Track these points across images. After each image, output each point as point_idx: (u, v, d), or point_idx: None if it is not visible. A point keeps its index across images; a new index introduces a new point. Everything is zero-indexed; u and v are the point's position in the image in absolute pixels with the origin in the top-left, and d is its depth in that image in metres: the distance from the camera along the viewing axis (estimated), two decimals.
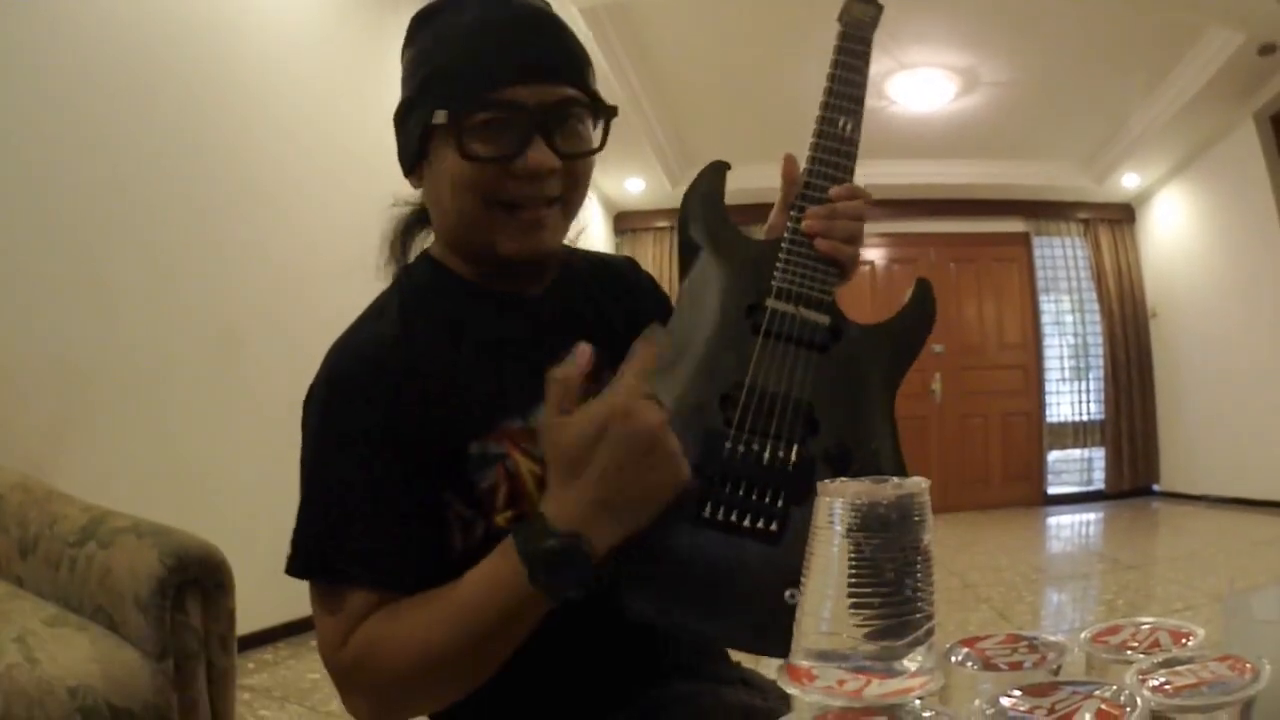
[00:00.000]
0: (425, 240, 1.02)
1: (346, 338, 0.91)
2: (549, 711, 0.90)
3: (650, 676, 0.91)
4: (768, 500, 0.83)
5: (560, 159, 0.87)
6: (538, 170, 0.86)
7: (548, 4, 0.94)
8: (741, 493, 0.83)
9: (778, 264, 0.95)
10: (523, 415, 0.89)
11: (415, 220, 1.02)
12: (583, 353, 0.80)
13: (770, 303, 0.92)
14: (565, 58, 0.89)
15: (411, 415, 0.85)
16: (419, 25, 0.94)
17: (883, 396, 0.93)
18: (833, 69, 1.08)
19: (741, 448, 0.85)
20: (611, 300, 1.05)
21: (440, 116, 0.86)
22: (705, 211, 1.01)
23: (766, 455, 0.85)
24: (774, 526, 0.83)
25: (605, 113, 0.92)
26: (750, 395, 0.87)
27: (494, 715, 0.89)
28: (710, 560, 0.81)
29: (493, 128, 0.86)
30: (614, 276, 1.09)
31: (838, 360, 0.91)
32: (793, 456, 0.85)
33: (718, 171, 1.03)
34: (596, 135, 0.93)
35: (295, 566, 0.86)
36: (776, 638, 0.72)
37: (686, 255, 0.99)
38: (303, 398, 0.90)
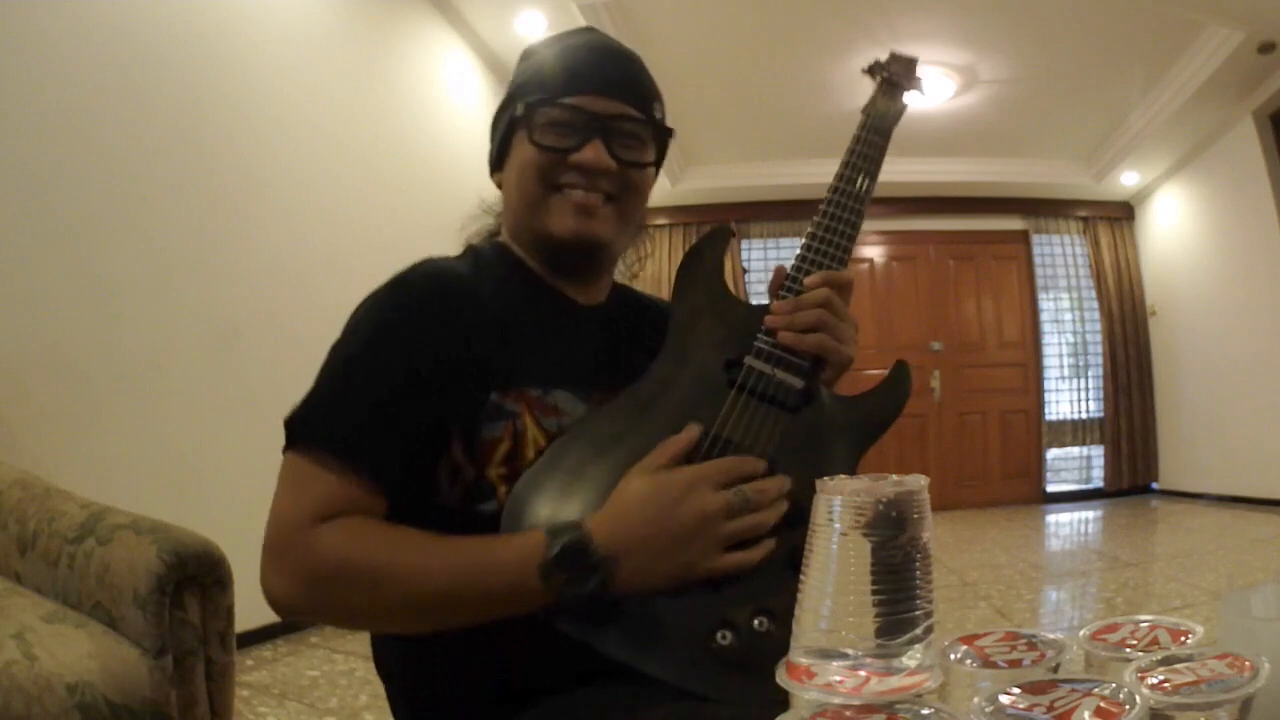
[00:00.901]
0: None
1: (422, 261, 1.01)
2: (505, 686, 0.91)
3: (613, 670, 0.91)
4: None
5: (616, 163, 1.00)
6: (593, 164, 0.99)
7: (635, 53, 1.09)
8: None
9: (763, 328, 1.00)
10: (543, 387, 0.95)
11: (496, 230, 1.14)
12: (690, 432, 0.90)
13: (749, 360, 0.97)
14: (635, 84, 1.05)
15: (453, 341, 0.93)
16: (537, 46, 1.08)
17: (845, 465, 0.97)
18: (848, 157, 1.13)
19: None
20: (651, 336, 1.09)
21: (520, 109, 1.01)
22: (703, 270, 1.08)
23: None
24: None
25: (662, 134, 1.06)
26: (714, 444, 0.92)
27: (457, 679, 0.93)
28: (646, 595, 0.84)
29: (560, 125, 1.00)
30: (660, 316, 1.12)
31: (805, 423, 0.96)
32: None
33: (721, 237, 1.11)
34: (652, 154, 1.06)
35: (300, 427, 0.88)
36: (699, 678, 0.82)
37: (678, 305, 1.05)
38: (301, 394, 0.92)
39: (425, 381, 0.90)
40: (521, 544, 0.82)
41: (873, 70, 1.27)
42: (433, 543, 0.84)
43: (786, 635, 0.65)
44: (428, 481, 0.91)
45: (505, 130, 1.06)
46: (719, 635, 0.84)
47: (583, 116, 1.00)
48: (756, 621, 0.83)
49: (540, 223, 1.02)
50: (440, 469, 0.91)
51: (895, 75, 1.28)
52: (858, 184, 1.09)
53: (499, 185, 1.10)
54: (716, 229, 1.13)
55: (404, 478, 0.88)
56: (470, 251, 1.08)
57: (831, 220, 1.06)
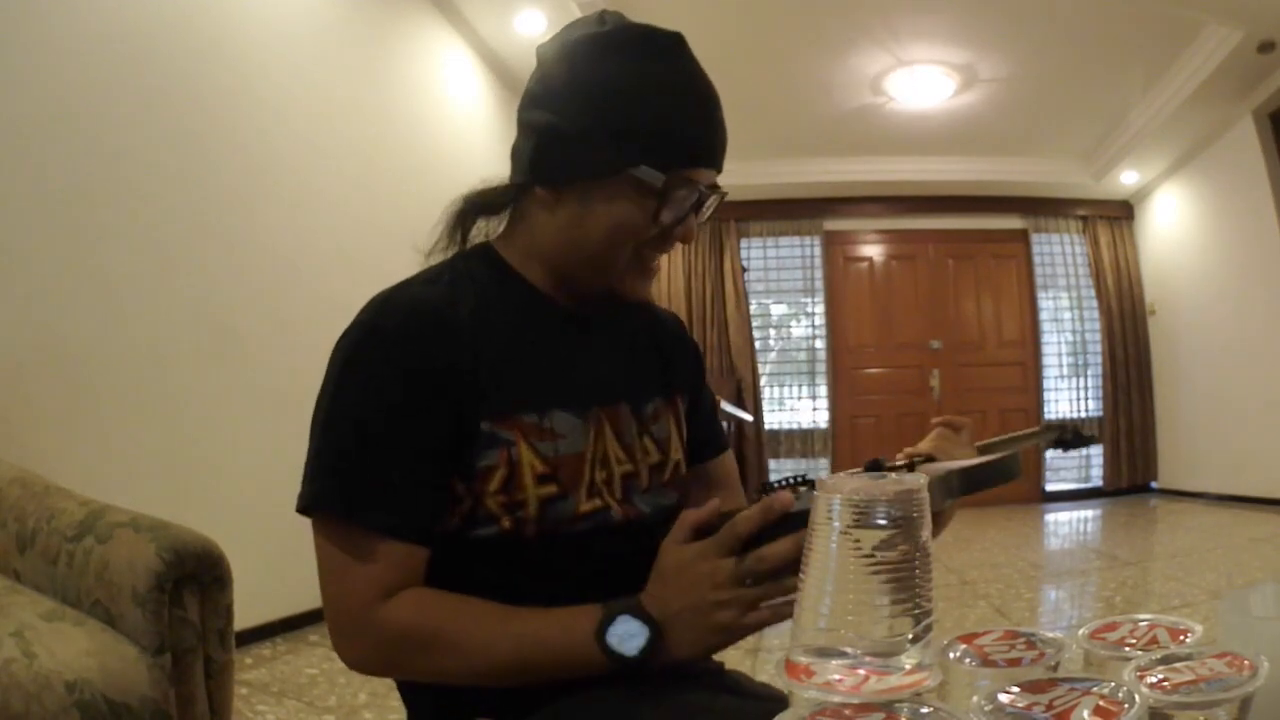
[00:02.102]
0: (482, 228, 1.04)
1: (393, 292, 0.95)
2: (511, 689, 0.91)
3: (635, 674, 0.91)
4: None
5: None
6: (687, 241, 0.98)
7: None
8: None
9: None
10: (539, 411, 0.93)
11: (477, 207, 1.03)
12: (711, 504, 0.89)
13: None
14: (724, 148, 0.98)
15: (437, 376, 0.89)
16: (628, 50, 0.93)
17: None
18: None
19: None
20: (655, 344, 1.12)
21: (651, 176, 0.91)
22: None
23: None
24: None
25: (723, 194, 1.00)
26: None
27: (472, 691, 0.92)
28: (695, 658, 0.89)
29: (688, 203, 0.94)
30: (660, 324, 1.16)
31: None
32: None
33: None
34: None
35: (309, 499, 0.87)
36: None
37: None
38: (301, 392, 0.91)
39: (419, 423, 0.88)
40: (581, 613, 0.86)
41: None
42: (497, 614, 0.88)
43: None
44: (442, 512, 0.91)
45: (599, 165, 0.91)
46: None
47: (697, 193, 0.94)
48: None
49: (606, 280, 0.97)
50: (447, 505, 0.91)
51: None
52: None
53: (550, 197, 0.96)
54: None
55: (430, 510, 0.90)
56: (450, 267, 0.99)
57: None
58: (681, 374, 1.13)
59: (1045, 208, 7.68)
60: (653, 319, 1.14)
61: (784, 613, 0.82)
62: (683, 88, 0.93)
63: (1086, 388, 7.79)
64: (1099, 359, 7.68)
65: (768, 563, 0.83)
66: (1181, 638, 0.64)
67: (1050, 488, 7.70)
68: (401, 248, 1.07)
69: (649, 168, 0.90)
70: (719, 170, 0.97)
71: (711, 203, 0.97)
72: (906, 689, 0.52)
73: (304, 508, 0.88)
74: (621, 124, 0.91)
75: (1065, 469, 7.81)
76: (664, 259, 1.07)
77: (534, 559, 0.92)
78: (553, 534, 0.92)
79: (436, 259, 1.02)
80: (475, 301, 0.94)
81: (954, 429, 1.17)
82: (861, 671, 0.53)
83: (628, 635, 0.83)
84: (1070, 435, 1.43)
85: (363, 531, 0.86)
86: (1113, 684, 0.52)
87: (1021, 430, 1.31)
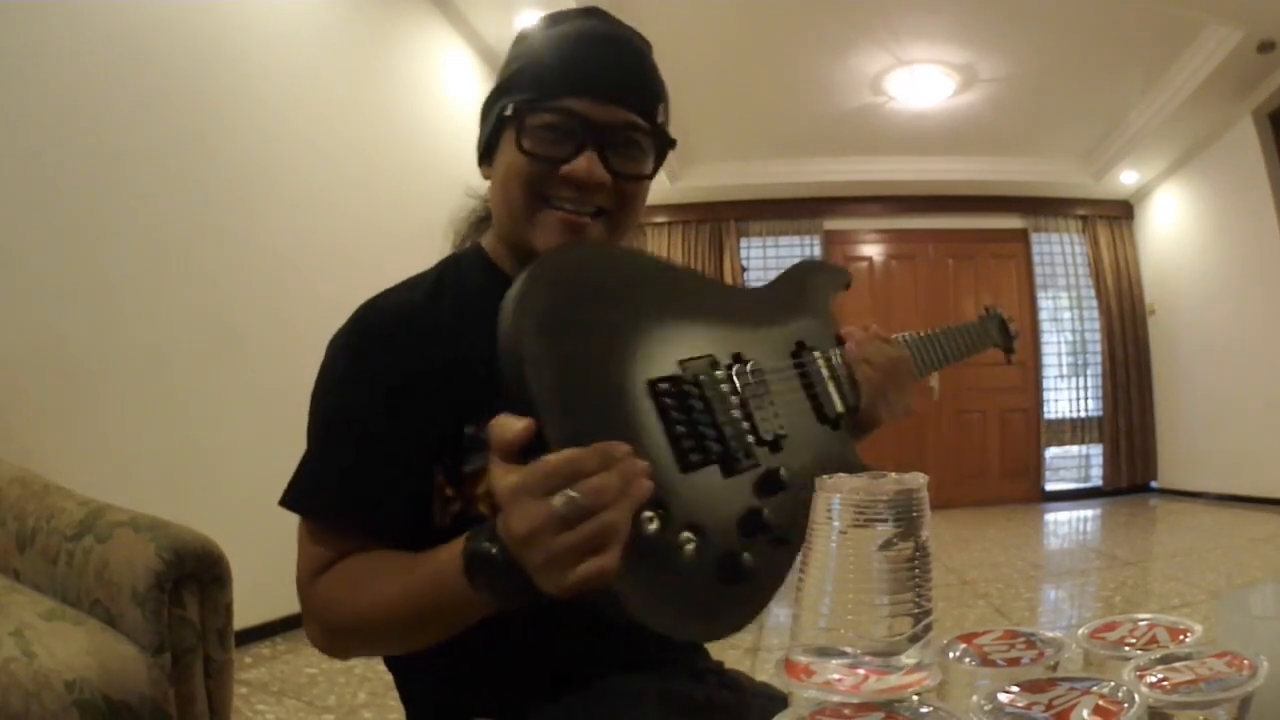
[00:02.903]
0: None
1: (376, 298, 0.96)
2: (510, 687, 0.91)
3: (622, 665, 0.92)
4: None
5: (610, 176, 0.91)
6: (584, 178, 0.90)
7: (644, 39, 0.98)
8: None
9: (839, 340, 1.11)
10: None
11: (485, 216, 1.05)
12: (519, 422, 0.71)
13: (818, 353, 1.06)
14: (639, 85, 0.94)
15: (419, 381, 0.89)
16: (534, 28, 0.97)
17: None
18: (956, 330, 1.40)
19: None
20: None
21: (508, 109, 0.91)
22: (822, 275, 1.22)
23: None
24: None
25: (665, 144, 0.96)
26: (740, 369, 0.93)
27: (458, 684, 0.93)
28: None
29: (552, 130, 0.90)
30: None
31: (821, 435, 1.02)
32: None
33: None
34: (651, 165, 0.96)
35: (288, 500, 0.90)
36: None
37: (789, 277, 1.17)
38: (301, 391, 0.92)
39: (399, 427, 0.87)
40: (450, 554, 0.75)
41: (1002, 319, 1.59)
42: (385, 576, 0.83)
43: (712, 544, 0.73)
44: (424, 510, 0.90)
45: (494, 125, 0.95)
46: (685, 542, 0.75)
47: (577, 123, 0.90)
48: (684, 540, 0.74)
49: (524, 236, 0.93)
50: (435, 505, 0.90)
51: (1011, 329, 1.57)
52: (944, 352, 1.27)
53: (487, 179, 1.00)
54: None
55: (400, 512, 0.88)
56: (441, 268, 1.00)
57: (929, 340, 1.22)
58: None
59: (1045, 207, 7.68)
60: None
61: (607, 564, 0.66)
62: (563, 33, 0.93)
63: (1086, 387, 7.79)
64: (1099, 359, 7.68)
65: (609, 490, 0.66)
66: (1181, 637, 0.64)
67: (1050, 487, 7.70)
68: (402, 248, 1.08)
69: (510, 103, 0.91)
70: (615, 101, 0.91)
71: (612, 137, 0.91)
72: (906, 689, 0.52)
73: (281, 501, 0.90)
74: (501, 81, 0.95)
75: (1065, 469, 7.82)
76: (650, 248, 1.05)
77: None
78: None
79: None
80: (458, 304, 0.95)
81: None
82: (861, 671, 0.53)
83: (495, 579, 0.71)
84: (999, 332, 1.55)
85: (315, 522, 0.89)
86: (1112, 683, 0.52)
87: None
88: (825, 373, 1.01)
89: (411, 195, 4.20)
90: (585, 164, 0.89)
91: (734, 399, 0.86)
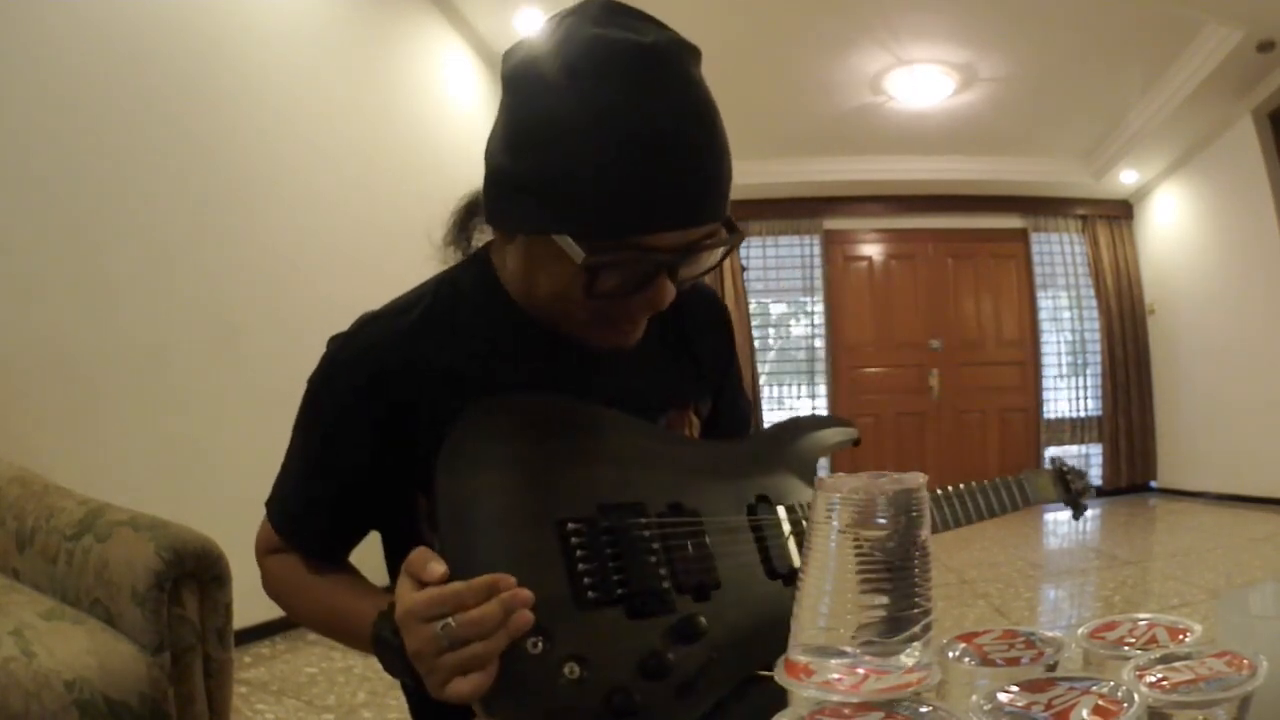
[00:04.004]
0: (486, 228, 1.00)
1: (358, 325, 0.94)
2: None
3: None
4: None
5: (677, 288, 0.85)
6: (658, 308, 0.85)
7: (716, 112, 0.81)
8: None
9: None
10: None
11: (477, 210, 1.02)
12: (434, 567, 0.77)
13: (781, 510, 1.01)
14: (718, 192, 0.80)
15: (388, 415, 0.90)
16: (577, 74, 0.77)
17: None
18: (985, 486, 1.23)
19: None
20: (683, 343, 1.08)
21: (570, 246, 0.78)
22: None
23: None
24: None
25: (735, 239, 0.85)
26: (675, 516, 0.93)
27: None
28: None
29: (622, 268, 0.80)
30: (690, 316, 1.08)
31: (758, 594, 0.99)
32: None
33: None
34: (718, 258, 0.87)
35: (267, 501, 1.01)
36: None
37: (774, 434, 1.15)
38: (300, 391, 0.94)
39: (356, 460, 0.92)
40: (364, 613, 0.84)
41: (1063, 475, 1.41)
42: (312, 591, 0.97)
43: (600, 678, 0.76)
44: (412, 528, 0.92)
45: (527, 223, 0.83)
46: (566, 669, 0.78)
47: (655, 257, 0.80)
48: (567, 669, 0.77)
49: (568, 328, 0.90)
50: (420, 522, 0.91)
51: (1073, 484, 1.42)
52: (969, 511, 1.17)
53: (499, 237, 0.91)
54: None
55: (331, 544, 1.00)
56: (434, 290, 0.95)
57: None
58: (712, 367, 1.12)
59: (1045, 207, 7.67)
60: (679, 313, 1.01)
61: (480, 685, 0.73)
62: (637, 132, 0.75)
63: (1086, 387, 7.78)
64: (1098, 358, 7.68)
65: (486, 623, 0.73)
66: (1181, 637, 0.64)
67: None
68: (402, 248, 1.08)
69: (571, 240, 0.78)
70: (698, 223, 0.80)
71: (708, 258, 0.84)
72: (906, 688, 0.52)
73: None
74: (547, 179, 0.78)
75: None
76: None
77: None
78: None
79: (450, 255, 1.02)
80: (451, 334, 0.92)
81: None
82: (861, 670, 0.53)
83: (391, 660, 0.80)
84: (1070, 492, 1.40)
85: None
86: (1112, 683, 0.52)
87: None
88: (786, 528, 0.97)
89: (411, 195, 4.19)
90: (661, 296, 0.83)
91: (654, 545, 0.86)
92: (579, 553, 0.82)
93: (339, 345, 0.93)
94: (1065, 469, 1.40)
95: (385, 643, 0.78)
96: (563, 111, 0.77)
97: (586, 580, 0.81)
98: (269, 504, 1.00)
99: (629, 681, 0.78)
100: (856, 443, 1.16)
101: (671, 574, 0.86)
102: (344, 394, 0.91)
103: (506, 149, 0.82)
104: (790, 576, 0.93)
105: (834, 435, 1.14)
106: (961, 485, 1.16)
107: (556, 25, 0.80)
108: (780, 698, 0.55)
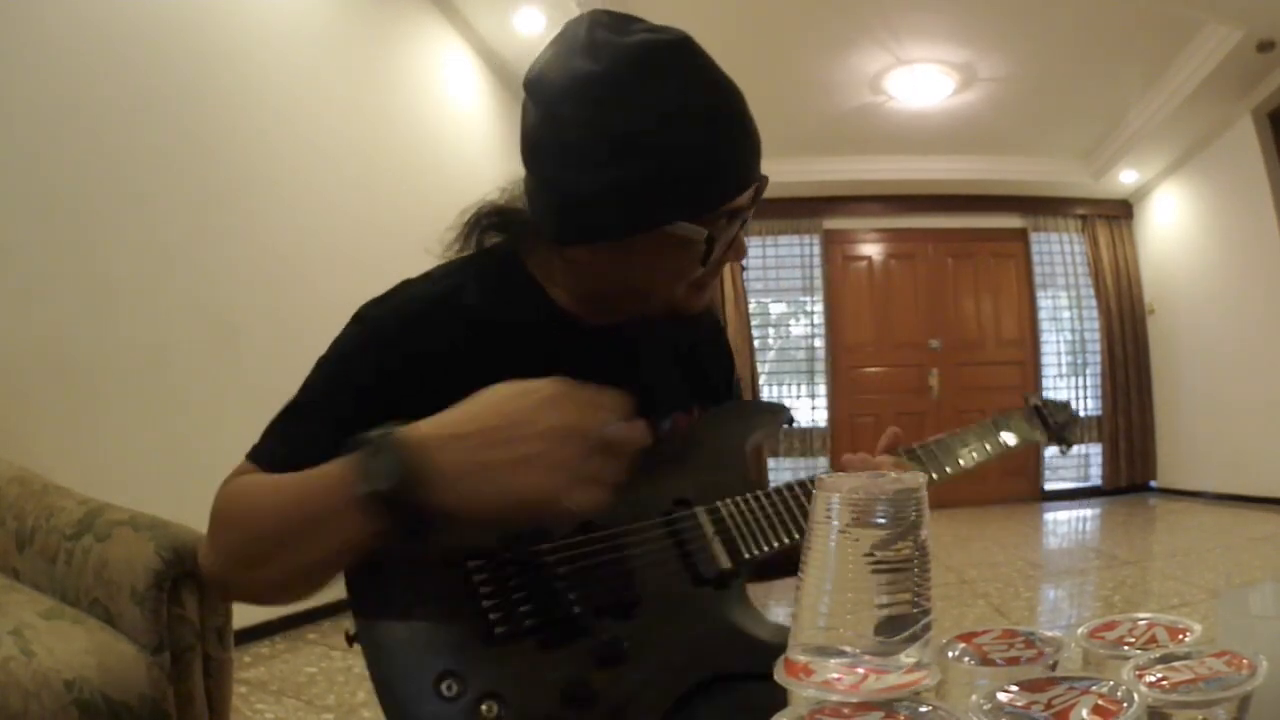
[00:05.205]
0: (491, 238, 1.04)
1: (394, 295, 0.94)
2: None
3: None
4: None
5: None
6: (743, 256, 0.96)
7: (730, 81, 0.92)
8: None
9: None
10: None
11: (493, 224, 1.03)
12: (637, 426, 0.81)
13: (698, 510, 0.97)
14: (760, 147, 0.92)
15: (407, 384, 0.87)
16: (632, 87, 0.85)
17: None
18: (963, 434, 1.19)
19: None
20: (690, 352, 1.10)
21: (691, 231, 0.87)
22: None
23: None
24: None
25: (764, 181, 0.95)
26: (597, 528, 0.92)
27: None
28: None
29: (729, 229, 0.91)
30: (697, 329, 1.12)
31: (692, 604, 0.96)
32: None
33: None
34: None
35: (254, 453, 0.91)
36: None
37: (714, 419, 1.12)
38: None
39: (370, 419, 0.84)
40: (338, 466, 0.77)
41: (1038, 410, 1.29)
42: (271, 482, 0.84)
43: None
44: None
45: (632, 226, 0.87)
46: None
47: (743, 214, 0.91)
48: (484, 707, 0.78)
49: (659, 309, 0.96)
50: None
51: (1052, 418, 1.30)
52: (960, 461, 1.14)
53: (584, 250, 0.92)
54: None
55: None
56: (464, 269, 0.98)
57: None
58: (715, 382, 1.13)
59: (1044, 207, 7.68)
60: (689, 325, 1.08)
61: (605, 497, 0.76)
62: (699, 114, 0.85)
63: (1085, 387, 7.79)
64: (1098, 358, 7.68)
65: (633, 439, 0.77)
66: (1180, 637, 0.64)
67: (1049, 486, 7.70)
68: (401, 248, 1.08)
69: (687, 224, 0.87)
70: (759, 175, 0.92)
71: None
72: (905, 688, 0.52)
73: (248, 454, 0.93)
74: (646, 179, 0.85)
75: (1064, 468, 7.82)
76: None
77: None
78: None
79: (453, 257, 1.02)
80: (481, 315, 0.93)
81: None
82: (860, 670, 0.53)
83: (380, 467, 0.74)
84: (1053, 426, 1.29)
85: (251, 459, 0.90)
86: (1111, 683, 0.52)
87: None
88: (709, 529, 0.94)
89: (411, 195, 4.20)
90: (744, 246, 0.95)
91: (561, 570, 0.85)
92: (483, 589, 0.82)
93: (370, 305, 0.93)
94: (1040, 403, 1.30)
95: (385, 446, 0.74)
96: (636, 117, 0.84)
97: (493, 616, 0.81)
98: (260, 450, 0.91)
99: (555, 712, 0.79)
100: (790, 423, 1.16)
101: (584, 597, 0.85)
102: (375, 352, 0.90)
103: (577, 165, 0.86)
104: (720, 580, 0.92)
105: (761, 422, 1.11)
106: (931, 438, 1.13)
107: (580, 48, 0.86)
108: (753, 697, 0.55)
